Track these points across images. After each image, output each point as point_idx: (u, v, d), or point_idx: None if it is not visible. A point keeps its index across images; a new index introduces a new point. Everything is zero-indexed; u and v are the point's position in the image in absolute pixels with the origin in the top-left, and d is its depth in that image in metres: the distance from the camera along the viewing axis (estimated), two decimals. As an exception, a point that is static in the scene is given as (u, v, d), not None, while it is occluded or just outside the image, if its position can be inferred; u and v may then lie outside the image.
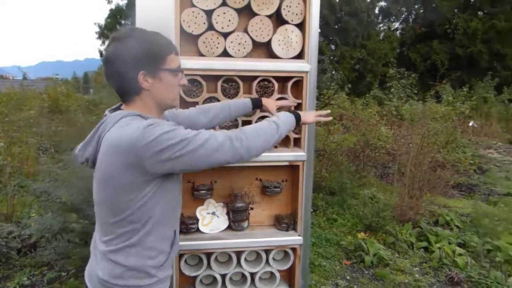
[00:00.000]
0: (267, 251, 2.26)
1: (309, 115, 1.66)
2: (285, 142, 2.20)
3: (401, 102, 9.86)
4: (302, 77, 2.03)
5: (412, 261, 3.91)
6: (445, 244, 4.13)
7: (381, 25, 22.92)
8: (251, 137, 1.30)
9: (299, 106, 2.10)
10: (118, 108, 1.33)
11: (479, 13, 20.54)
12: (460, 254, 3.97)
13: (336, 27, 17.21)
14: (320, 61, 14.26)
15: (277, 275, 2.30)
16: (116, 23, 19.06)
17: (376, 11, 21.19)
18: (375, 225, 4.38)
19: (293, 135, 2.15)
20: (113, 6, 19.12)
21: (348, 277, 3.61)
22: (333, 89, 8.55)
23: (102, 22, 19.95)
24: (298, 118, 1.55)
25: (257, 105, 1.83)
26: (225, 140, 1.24)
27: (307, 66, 2.01)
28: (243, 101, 1.82)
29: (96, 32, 20.23)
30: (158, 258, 1.32)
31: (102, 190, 1.25)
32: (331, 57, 16.21)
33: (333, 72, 14.69)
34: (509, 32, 19.22)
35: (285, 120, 1.47)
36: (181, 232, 2.11)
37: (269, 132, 1.37)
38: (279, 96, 2.09)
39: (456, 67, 20.60)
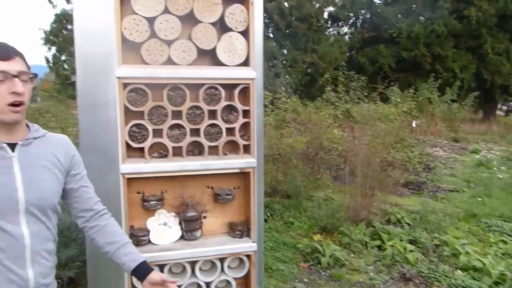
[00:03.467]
0: (222, 260, 2.23)
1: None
2: (235, 149, 2.19)
3: (352, 104, 10.15)
4: (248, 84, 2.03)
5: (366, 260, 4.01)
6: (397, 242, 4.27)
7: (330, 29, 23.53)
8: None
9: (247, 113, 2.10)
10: None
11: (420, 18, 21.63)
12: (411, 251, 4.12)
13: (287, 31, 17.49)
14: (273, 66, 14.40)
15: (233, 283, 2.28)
16: (62, 28, 18.25)
17: (325, 16, 21.73)
18: (330, 226, 4.46)
19: (242, 142, 2.15)
20: (58, 10, 18.17)
21: (306, 280, 3.64)
22: (286, 93, 8.65)
23: (47, 28, 19.10)
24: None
25: (141, 273, 1.39)
26: None
27: (253, 73, 2.02)
28: (130, 258, 1.39)
29: (41, 38, 19.33)
30: None
31: None
32: (284, 62, 16.43)
33: (286, 76, 14.92)
34: (448, 36, 20.39)
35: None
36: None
37: None
38: (227, 103, 2.08)
39: (402, 70, 21.57)
